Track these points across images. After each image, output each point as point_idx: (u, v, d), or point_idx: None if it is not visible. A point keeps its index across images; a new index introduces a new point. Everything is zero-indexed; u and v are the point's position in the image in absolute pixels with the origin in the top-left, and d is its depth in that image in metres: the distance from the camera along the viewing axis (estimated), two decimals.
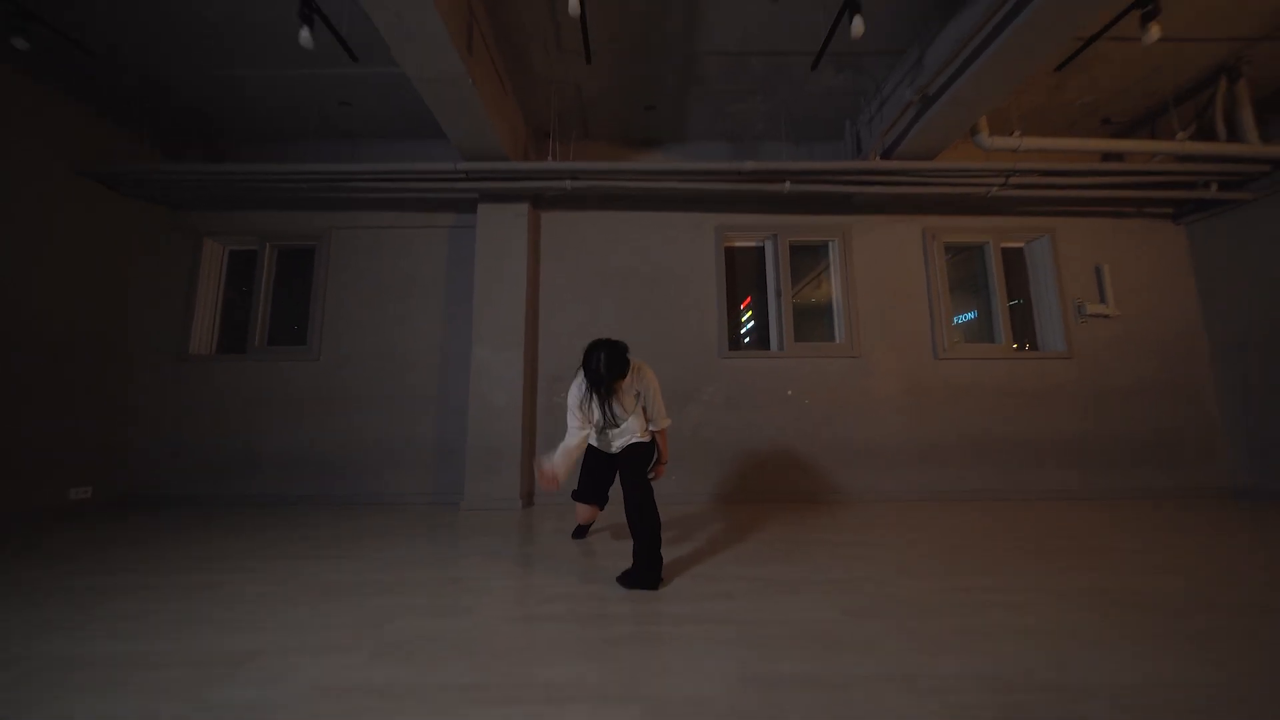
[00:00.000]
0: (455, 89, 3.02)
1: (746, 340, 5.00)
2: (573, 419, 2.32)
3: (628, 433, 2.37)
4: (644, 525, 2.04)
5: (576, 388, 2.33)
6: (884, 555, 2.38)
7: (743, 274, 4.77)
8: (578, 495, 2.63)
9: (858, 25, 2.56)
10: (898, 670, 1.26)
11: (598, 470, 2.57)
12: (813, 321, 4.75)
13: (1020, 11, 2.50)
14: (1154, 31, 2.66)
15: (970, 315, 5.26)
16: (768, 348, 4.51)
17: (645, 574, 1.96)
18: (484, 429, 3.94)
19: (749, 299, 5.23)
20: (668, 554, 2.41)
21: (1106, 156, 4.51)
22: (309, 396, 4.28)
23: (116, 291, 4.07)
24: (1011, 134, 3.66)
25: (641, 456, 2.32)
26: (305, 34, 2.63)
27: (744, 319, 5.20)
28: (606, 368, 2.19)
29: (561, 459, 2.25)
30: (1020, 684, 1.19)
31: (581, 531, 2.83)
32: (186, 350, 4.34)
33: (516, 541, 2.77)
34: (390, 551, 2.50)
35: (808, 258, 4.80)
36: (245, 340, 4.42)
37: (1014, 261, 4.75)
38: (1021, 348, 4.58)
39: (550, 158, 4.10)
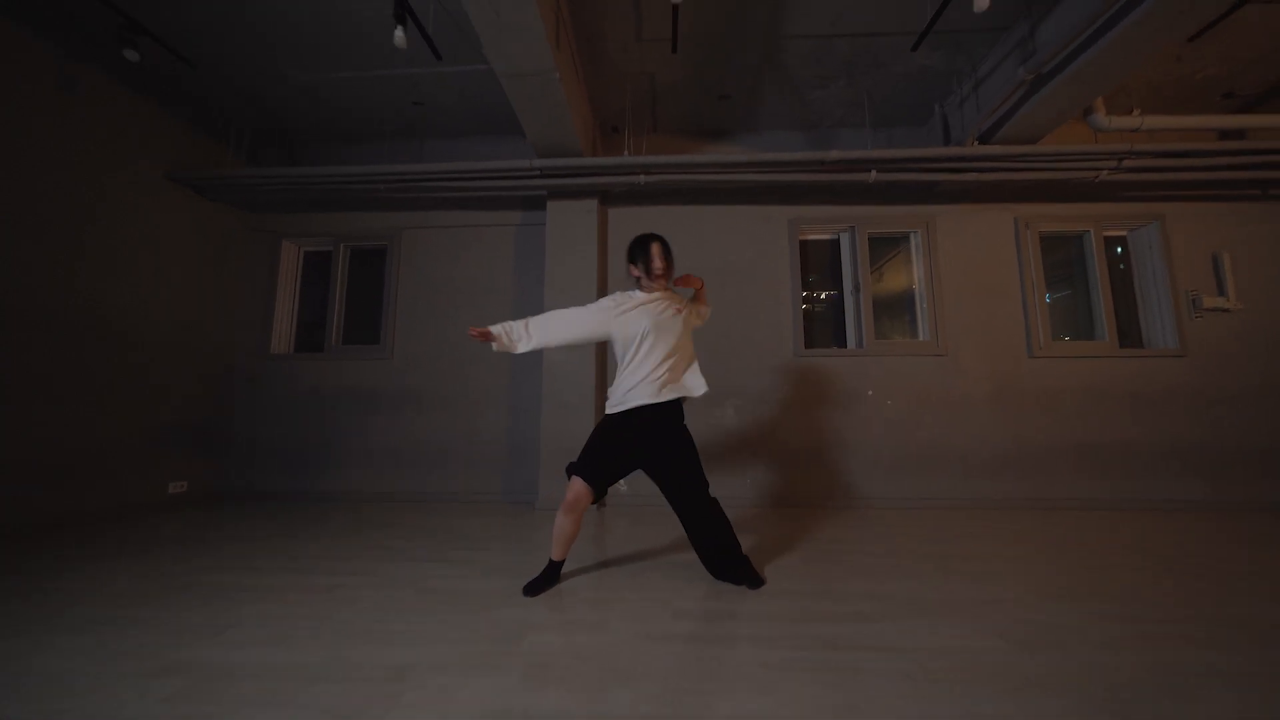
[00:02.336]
0: (541, 84, 2.95)
1: None
2: (583, 311, 1.98)
3: (679, 376, 1.96)
4: (722, 520, 1.99)
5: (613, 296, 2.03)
6: (1006, 571, 2.20)
7: (816, 267, 4.58)
8: (581, 470, 1.96)
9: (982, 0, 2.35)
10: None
11: (621, 448, 1.97)
12: (882, 315, 4.50)
13: None
14: None
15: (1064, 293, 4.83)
16: (844, 345, 4.31)
17: (749, 569, 1.97)
18: (557, 427, 3.91)
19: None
20: (763, 560, 2.32)
21: (1226, 135, 4.10)
22: (382, 394, 4.35)
23: (203, 293, 4.21)
24: (1131, 112, 3.33)
25: (688, 443, 1.99)
26: (399, 33, 2.61)
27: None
28: (666, 255, 1.96)
29: (513, 325, 1.94)
30: None
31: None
32: (268, 349, 4.47)
33: (605, 545, 2.71)
34: (484, 553, 2.48)
35: (874, 248, 4.54)
36: (322, 339, 4.52)
37: (1109, 251, 4.39)
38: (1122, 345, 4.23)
39: (626, 152, 4.01)
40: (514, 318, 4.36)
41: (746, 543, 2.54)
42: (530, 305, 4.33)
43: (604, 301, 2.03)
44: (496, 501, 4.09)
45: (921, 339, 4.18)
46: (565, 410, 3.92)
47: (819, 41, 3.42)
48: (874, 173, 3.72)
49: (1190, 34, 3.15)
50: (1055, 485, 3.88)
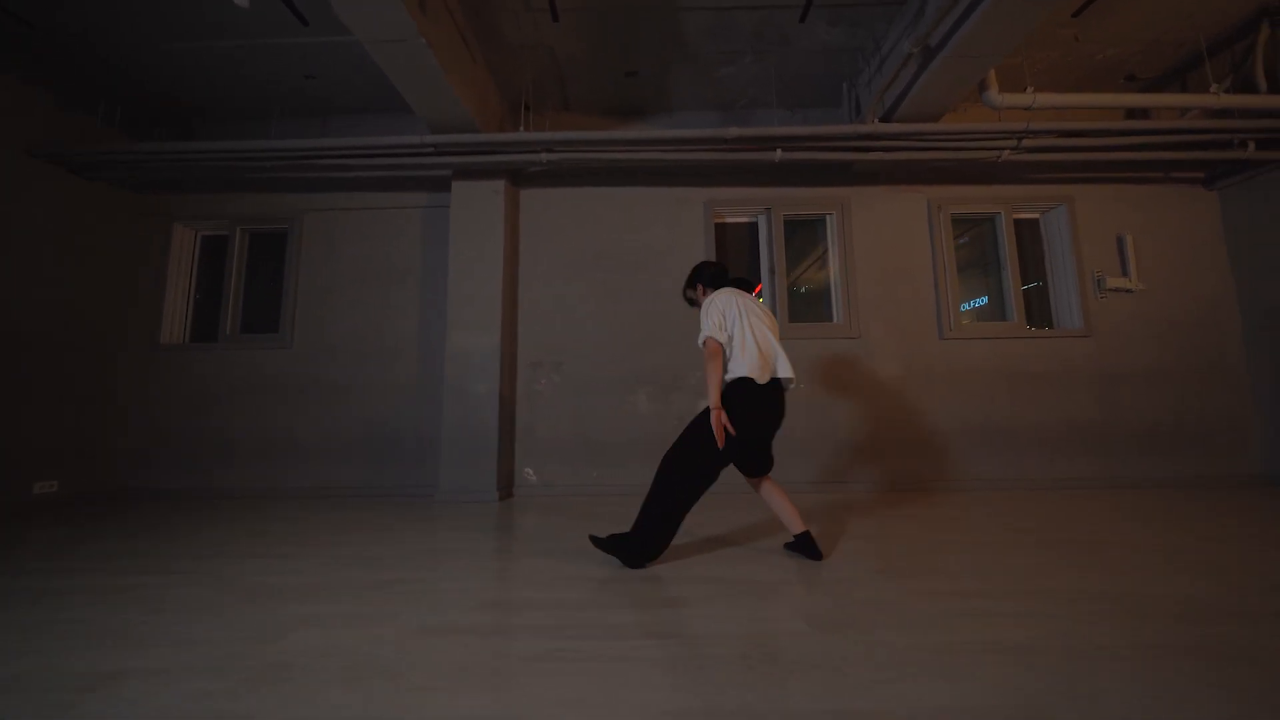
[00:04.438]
0: (409, 52, 2.79)
1: None
2: (711, 326, 1.96)
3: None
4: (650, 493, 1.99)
5: (718, 297, 2.04)
6: (860, 550, 2.15)
7: (735, 253, 4.51)
8: (754, 469, 2.09)
9: None
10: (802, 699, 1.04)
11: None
12: (818, 303, 4.46)
13: None
14: None
15: (981, 301, 4.95)
16: None
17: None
18: (461, 418, 3.76)
19: (760, 286, 4.98)
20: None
21: (1130, 115, 4.15)
22: (283, 385, 4.13)
23: (84, 280, 3.93)
24: (1024, 90, 3.32)
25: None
26: None
27: (759, 298, 4.93)
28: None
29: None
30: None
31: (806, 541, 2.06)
32: (158, 339, 4.21)
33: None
34: (360, 547, 2.33)
35: (810, 235, 4.49)
36: (217, 328, 4.28)
37: (1028, 236, 4.42)
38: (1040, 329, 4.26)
39: (524, 129, 3.85)
40: (421, 303, 4.22)
41: (619, 525, 2.44)
42: (437, 288, 4.16)
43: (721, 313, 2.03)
44: (404, 495, 3.92)
45: (835, 322, 4.14)
46: (469, 400, 3.77)
47: (716, 13, 3.32)
48: (779, 151, 3.65)
49: (1073, 9, 3.15)
50: (960, 465, 3.89)
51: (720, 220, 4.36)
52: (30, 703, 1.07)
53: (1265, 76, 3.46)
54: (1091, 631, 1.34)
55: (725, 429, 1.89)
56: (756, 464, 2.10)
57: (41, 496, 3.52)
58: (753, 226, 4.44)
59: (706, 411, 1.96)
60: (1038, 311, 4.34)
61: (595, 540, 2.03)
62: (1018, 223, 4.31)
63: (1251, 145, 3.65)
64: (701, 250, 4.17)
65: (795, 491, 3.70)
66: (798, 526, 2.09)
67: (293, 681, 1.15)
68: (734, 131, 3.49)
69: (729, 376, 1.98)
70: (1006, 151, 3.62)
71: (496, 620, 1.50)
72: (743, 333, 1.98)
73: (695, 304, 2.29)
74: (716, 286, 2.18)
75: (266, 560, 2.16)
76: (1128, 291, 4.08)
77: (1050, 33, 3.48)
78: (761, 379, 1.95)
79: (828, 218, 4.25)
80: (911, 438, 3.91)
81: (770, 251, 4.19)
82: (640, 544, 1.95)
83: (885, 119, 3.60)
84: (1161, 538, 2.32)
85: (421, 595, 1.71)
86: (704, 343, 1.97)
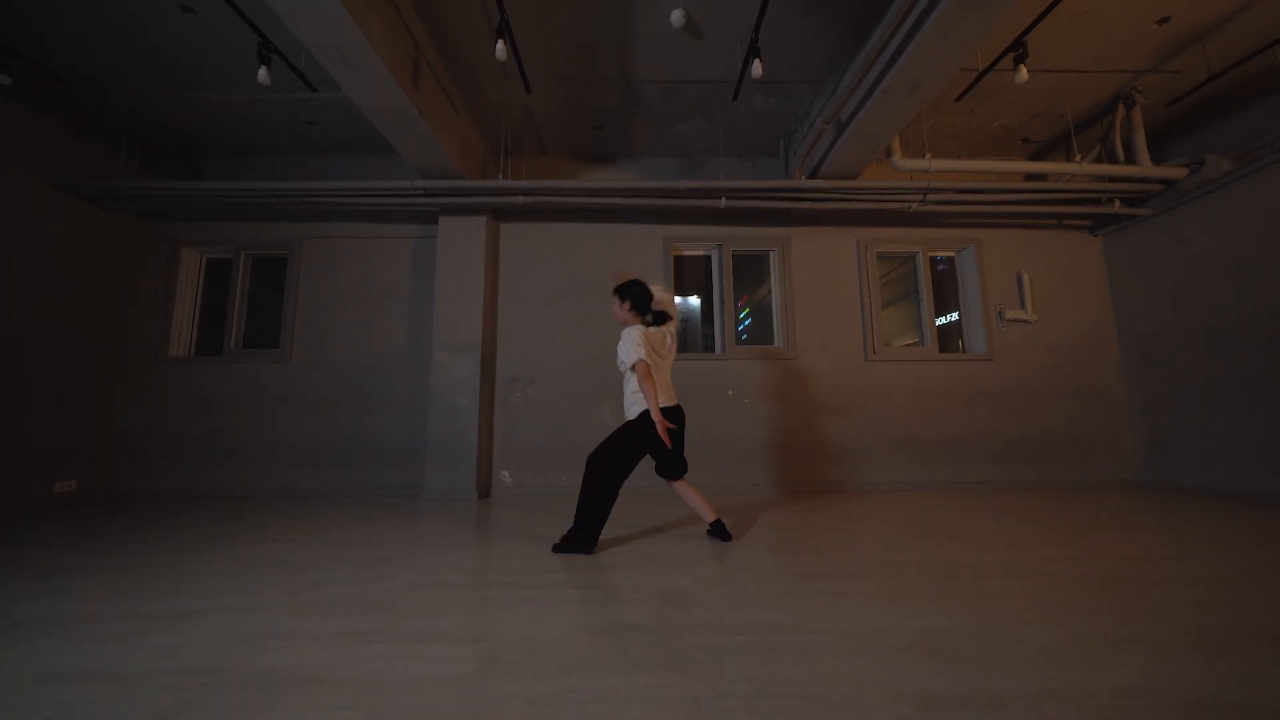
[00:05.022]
0: (403, 118, 3.32)
1: (744, 336, 5.51)
2: (641, 353, 2.40)
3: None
4: (582, 487, 2.47)
5: (636, 331, 2.47)
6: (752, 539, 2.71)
7: (693, 282, 5.10)
8: (675, 473, 2.60)
9: (757, 69, 2.88)
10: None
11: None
12: (766, 327, 5.08)
13: (899, 57, 2.81)
14: (1023, 73, 2.99)
15: (917, 342, 5.57)
16: (713, 350, 4.84)
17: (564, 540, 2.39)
18: (444, 427, 4.26)
19: (745, 297, 5.63)
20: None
21: (1029, 176, 4.86)
22: (281, 396, 4.58)
23: (99, 299, 4.34)
24: (923, 156, 3.97)
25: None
26: (263, 73, 2.93)
27: (742, 315, 5.67)
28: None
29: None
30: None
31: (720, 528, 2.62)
32: (166, 353, 4.63)
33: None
34: (360, 534, 2.82)
35: (763, 267, 5.10)
36: (221, 343, 4.71)
37: (952, 270, 5.09)
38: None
39: (502, 175, 4.40)
40: (411, 324, 4.71)
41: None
42: (425, 312, 4.66)
43: (636, 342, 2.46)
44: (391, 496, 4.39)
45: (776, 345, 4.74)
46: (452, 412, 4.27)
47: (667, 85, 3.92)
48: (724, 199, 4.25)
49: (955, 95, 3.82)
50: (881, 471, 4.50)
51: (678, 253, 4.94)
52: (136, 627, 1.57)
53: (1123, 148, 4.17)
54: (897, 583, 1.92)
55: (667, 430, 2.40)
56: (672, 469, 2.61)
57: (62, 494, 3.92)
58: (707, 259, 5.04)
59: (633, 422, 2.49)
60: (952, 339, 5.00)
61: (556, 548, 2.46)
62: (935, 260, 4.98)
63: (1117, 202, 4.37)
64: (661, 279, 4.74)
65: (735, 493, 4.27)
66: (710, 516, 2.64)
67: (322, 614, 1.66)
68: (684, 184, 4.09)
69: (636, 408, 2.49)
70: (915, 204, 4.28)
71: (472, 579, 2.02)
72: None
73: (613, 309, 2.66)
74: (639, 310, 2.59)
75: (277, 545, 2.64)
76: (1025, 322, 4.76)
77: (949, 108, 4.16)
78: (668, 404, 2.51)
79: (770, 254, 4.87)
80: (838, 446, 4.52)
81: (721, 282, 4.79)
82: (585, 530, 2.44)
83: (812, 175, 4.23)
84: (1009, 528, 2.93)
85: (404, 568, 2.22)
86: (634, 366, 2.45)
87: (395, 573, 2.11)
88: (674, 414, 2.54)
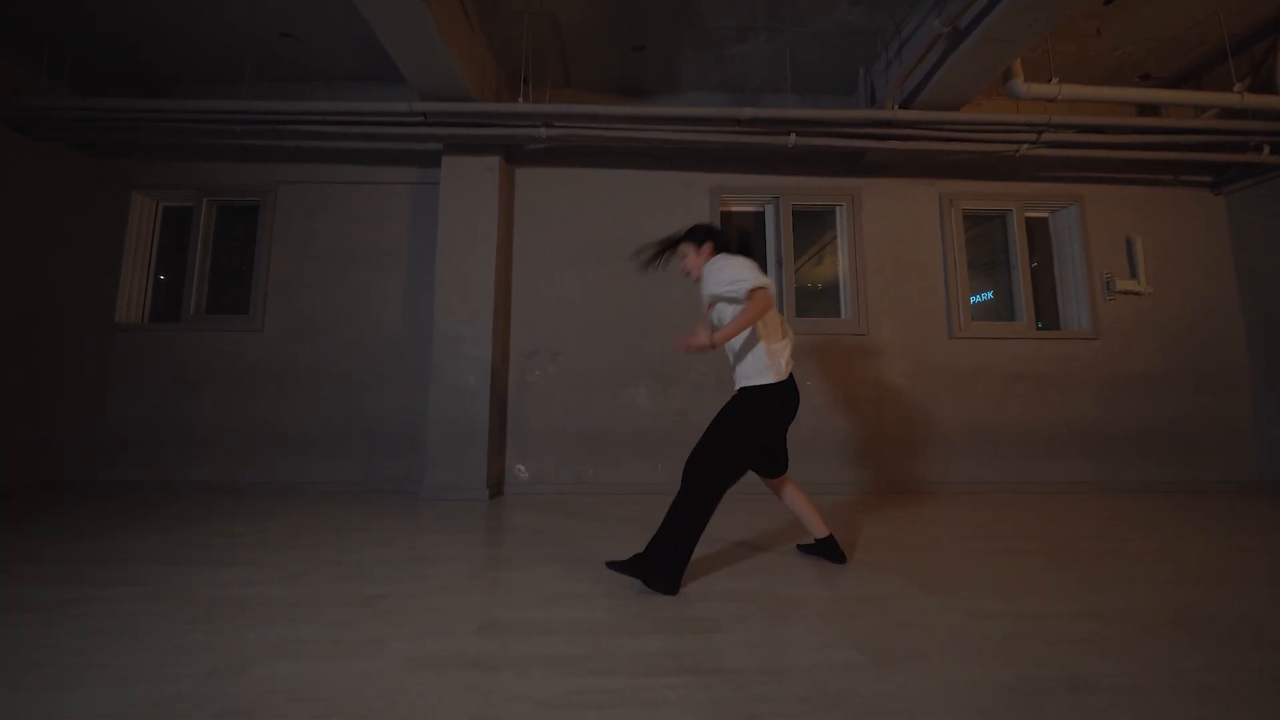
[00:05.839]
0: (407, 11, 2.51)
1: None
2: (755, 276, 1.68)
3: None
4: (676, 504, 1.71)
5: (737, 258, 1.77)
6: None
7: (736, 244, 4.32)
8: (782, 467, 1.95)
9: None
10: None
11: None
12: (824, 297, 4.33)
13: None
14: None
15: (987, 295, 4.86)
16: None
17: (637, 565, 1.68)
18: (448, 410, 3.51)
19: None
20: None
21: (1144, 112, 4.08)
22: (252, 372, 3.82)
23: (27, 251, 3.55)
24: (1050, 81, 3.19)
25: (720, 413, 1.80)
26: None
27: None
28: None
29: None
30: None
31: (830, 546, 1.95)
32: (113, 318, 3.84)
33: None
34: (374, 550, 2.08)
35: (815, 225, 4.33)
36: (180, 308, 3.93)
37: (1036, 233, 4.33)
38: (1045, 326, 4.18)
39: (522, 100, 3.59)
40: (408, 285, 3.94)
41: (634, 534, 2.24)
42: (426, 272, 3.88)
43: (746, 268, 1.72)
44: (383, 492, 3.65)
45: (844, 318, 3.99)
46: (458, 393, 3.52)
47: None
48: (793, 136, 3.47)
49: None
50: (961, 468, 3.79)
51: (726, 208, 4.17)
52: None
53: None
54: (1093, 627, 1.19)
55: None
56: (775, 464, 1.93)
57: None
58: (759, 216, 4.26)
59: (742, 397, 1.76)
60: (1045, 309, 4.25)
61: (616, 567, 1.73)
62: (1027, 219, 4.22)
63: (1266, 149, 3.60)
64: None
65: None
66: (822, 530, 1.92)
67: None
68: (749, 112, 3.30)
69: (756, 381, 1.76)
70: (1025, 146, 3.51)
71: (508, 651, 1.29)
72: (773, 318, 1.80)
73: (682, 262, 1.95)
74: (724, 249, 1.89)
75: (202, 570, 1.90)
76: (1136, 294, 4.02)
77: (1073, 23, 3.37)
78: (786, 374, 1.77)
79: (838, 209, 4.09)
80: (917, 438, 3.80)
81: (778, 242, 4.02)
82: (671, 560, 1.64)
83: (905, 106, 3.45)
84: (1133, 544, 2.22)
85: (395, 623, 1.48)
86: (749, 293, 1.65)
87: (381, 635, 1.37)
88: (790, 392, 1.80)
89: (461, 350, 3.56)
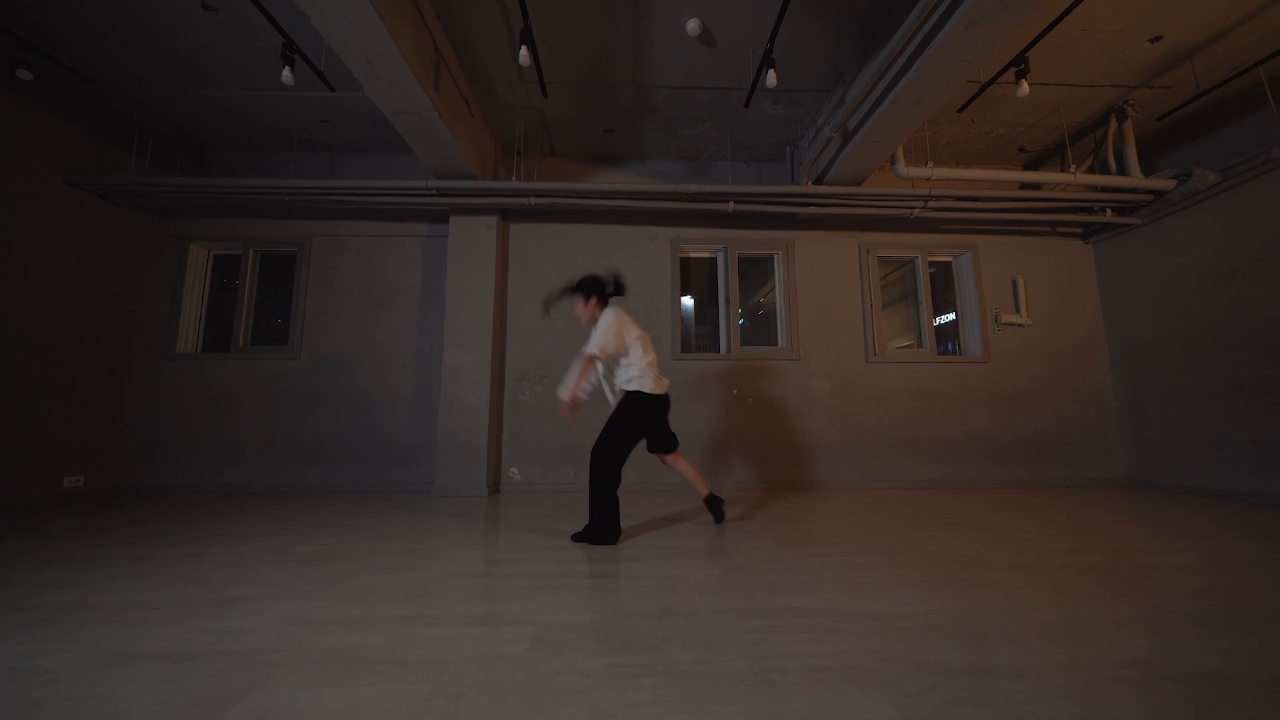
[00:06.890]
0: (423, 120, 3.37)
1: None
2: (607, 339, 2.52)
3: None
4: (592, 480, 2.50)
5: (609, 314, 2.59)
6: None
7: (698, 284, 5.19)
8: (669, 445, 2.73)
9: (771, 78, 2.98)
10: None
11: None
12: (764, 327, 5.20)
13: (906, 71, 2.93)
14: (1024, 87, 3.12)
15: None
16: (717, 350, 4.94)
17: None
18: (455, 425, 4.31)
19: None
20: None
21: (1024, 185, 5.02)
22: (290, 393, 4.61)
23: (107, 294, 4.34)
24: (926, 164, 4.10)
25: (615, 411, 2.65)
26: (287, 73, 2.97)
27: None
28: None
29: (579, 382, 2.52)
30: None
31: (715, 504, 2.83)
32: (173, 349, 4.63)
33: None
34: (371, 532, 2.88)
35: (766, 269, 5.21)
36: (230, 340, 4.72)
37: (947, 274, 5.23)
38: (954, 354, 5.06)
39: (515, 176, 4.46)
40: (421, 322, 4.76)
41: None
42: (435, 309, 4.71)
43: (618, 329, 2.59)
44: (401, 493, 4.43)
45: (780, 345, 4.85)
46: (463, 410, 4.32)
47: (678, 91, 4.01)
48: (732, 204, 4.35)
49: (958, 106, 3.95)
50: (882, 469, 4.63)
51: (685, 255, 5.04)
52: (193, 611, 1.63)
53: (1115, 159, 4.34)
54: (910, 572, 2.02)
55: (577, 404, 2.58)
56: (663, 443, 2.74)
57: (70, 489, 3.91)
58: (712, 261, 5.14)
59: (622, 401, 2.60)
60: (944, 339, 5.14)
61: (576, 537, 2.55)
62: (939, 263, 5.12)
63: (1109, 211, 4.53)
64: (668, 280, 4.83)
65: (742, 490, 4.38)
66: (704, 489, 2.74)
67: (364, 600, 1.73)
68: (693, 187, 4.18)
69: (630, 385, 2.58)
70: (917, 210, 4.41)
71: (502, 569, 2.10)
72: (639, 349, 2.61)
73: (574, 308, 2.74)
74: (600, 296, 2.68)
75: (286, 538, 2.69)
76: (1020, 325, 4.92)
77: (949, 118, 4.29)
78: (658, 389, 2.59)
79: (775, 256, 4.98)
80: (841, 445, 4.64)
81: (726, 284, 4.89)
82: (602, 522, 2.48)
83: (818, 181, 4.35)
84: (1009, 523, 3.06)
85: (433, 559, 2.29)
86: (595, 351, 2.51)
87: (425, 563, 2.18)
88: (657, 399, 2.64)
89: (465, 375, 4.38)
